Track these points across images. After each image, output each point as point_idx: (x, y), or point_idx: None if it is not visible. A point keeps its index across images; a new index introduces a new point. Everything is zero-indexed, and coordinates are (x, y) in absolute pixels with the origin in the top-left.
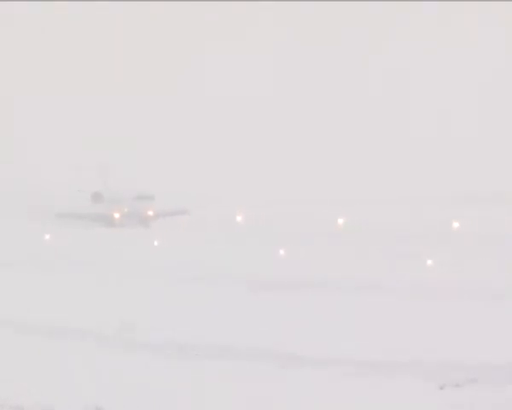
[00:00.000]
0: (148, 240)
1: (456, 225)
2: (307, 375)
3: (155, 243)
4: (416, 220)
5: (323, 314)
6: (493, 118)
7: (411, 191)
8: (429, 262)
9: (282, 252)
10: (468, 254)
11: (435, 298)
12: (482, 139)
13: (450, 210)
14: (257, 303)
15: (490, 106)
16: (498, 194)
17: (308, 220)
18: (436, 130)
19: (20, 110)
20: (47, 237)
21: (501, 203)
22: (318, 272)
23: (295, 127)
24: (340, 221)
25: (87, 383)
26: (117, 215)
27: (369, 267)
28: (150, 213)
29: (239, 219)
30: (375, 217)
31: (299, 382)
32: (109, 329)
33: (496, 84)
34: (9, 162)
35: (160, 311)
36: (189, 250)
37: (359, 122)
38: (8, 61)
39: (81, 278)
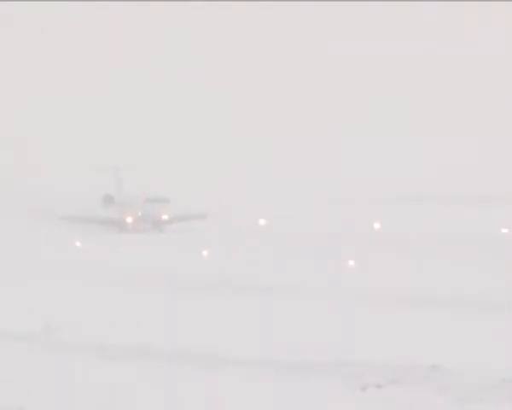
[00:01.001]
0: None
1: (377, 226)
2: (227, 376)
3: (77, 244)
4: (338, 221)
5: (243, 315)
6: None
7: (333, 192)
8: (351, 263)
9: (204, 253)
10: (390, 254)
11: (357, 299)
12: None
13: (372, 211)
14: (178, 304)
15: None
16: (419, 194)
17: (231, 222)
18: (361, 128)
19: (32, 111)
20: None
21: (422, 203)
22: (239, 272)
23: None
24: (262, 222)
25: (7, 383)
26: (129, 219)
27: (290, 268)
28: (165, 217)
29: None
30: (298, 217)
31: (219, 383)
32: (34, 329)
33: (492, 83)
34: (14, 163)
35: (82, 311)
36: (112, 253)
37: (288, 121)
38: (15, 58)
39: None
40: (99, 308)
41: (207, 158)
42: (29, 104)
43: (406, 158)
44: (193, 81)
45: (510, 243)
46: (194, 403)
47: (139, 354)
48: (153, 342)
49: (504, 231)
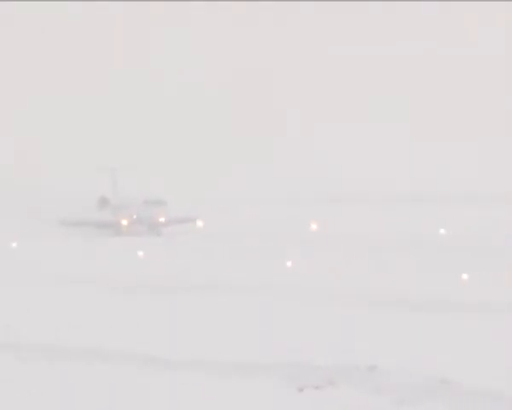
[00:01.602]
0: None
1: (314, 226)
2: (170, 377)
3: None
4: (277, 221)
5: (184, 316)
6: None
7: (273, 192)
8: (289, 264)
9: (140, 253)
10: (327, 254)
11: (295, 299)
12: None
13: (310, 211)
14: (121, 305)
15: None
16: (358, 194)
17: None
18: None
19: (30, 111)
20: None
21: (360, 203)
22: (177, 273)
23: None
24: (200, 223)
25: None
26: (124, 222)
27: (230, 268)
28: (162, 219)
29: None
30: (238, 218)
31: (162, 384)
32: None
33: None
34: (9, 164)
35: (32, 313)
36: (58, 254)
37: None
38: (15, 58)
39: None
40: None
41: (206, 158)
42: (28, 104)
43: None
44: (193, 81)
45: (447, 244)
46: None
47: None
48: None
49: (442, 231)
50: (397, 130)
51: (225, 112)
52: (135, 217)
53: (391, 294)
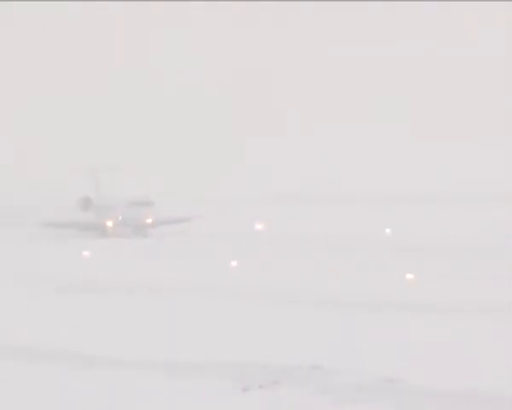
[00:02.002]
0: None
1: (259, 226)
2: (106, 376)
3: None
4: (223, 221)
5: (124, 316)
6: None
7: (219, 192)
8: (233, 263)
9: (85, 253)
10: (273, 254)
11: (239, 299)
12: None
13: (255, 210)
14: (61, 305)
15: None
16: (301, 194)
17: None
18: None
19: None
20: None
21: (306, 203)
22: (118, 274)
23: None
24: (149, 221)
25: None
26: (109, 224)
27: (172, 268)
28: (149, 220)
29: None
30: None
31: (96, 382)
32: None
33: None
34: None
35: None
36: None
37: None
38: (10, 60)
39: None
40: None
41: (203, 157)
42: (19, 105)
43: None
44: (193, 81)
45: (392, 243)
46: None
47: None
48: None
49: (388, 231)
50: (394, 129)
51: (222, 111)
52: (120, 218)
53: (331, 293)
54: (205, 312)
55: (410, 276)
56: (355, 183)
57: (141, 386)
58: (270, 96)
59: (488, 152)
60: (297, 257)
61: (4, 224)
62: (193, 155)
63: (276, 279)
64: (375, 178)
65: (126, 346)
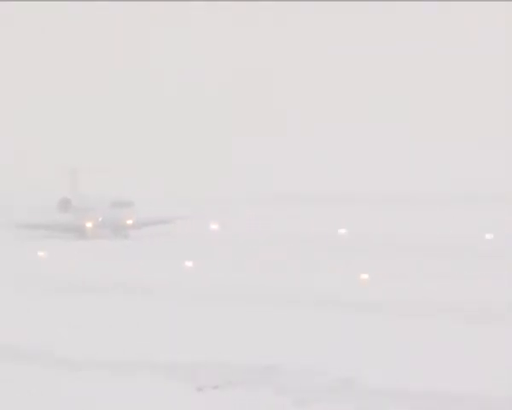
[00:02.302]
0: None
1: (214, 226)
2: (67, 377)
3: None
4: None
5: (80, 316)
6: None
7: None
8: (188, 264)
9: (40, 254)
10: (232, 254)
11: (194, 299)
12: None
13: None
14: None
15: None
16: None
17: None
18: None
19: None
20: None
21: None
22: (71, 273)
23: None
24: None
25: None
26: (89, 225)
27: (127, 269)
28: (129, 221)
29: None
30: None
31: (58, 383)
32: None
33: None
34: None
35: None
36: None
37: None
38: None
39: None
40: None
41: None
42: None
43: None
44: (193, 81)
45: (347, 243)
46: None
47: None
48: None
49: (342, 231)
50: (394, 129)
51: (222, 111)
52: (100, 219)
53: (286, 293)
54: (158, 312)
55: (364, 276)
56: (354, 182)
57: (93, 386)
58: (270, 96)
59: (488, 152)
60: (257, 256)
61: None
62: (191, 155)
63: (233, 278)
64: (374, 178)
65: (77, 345)
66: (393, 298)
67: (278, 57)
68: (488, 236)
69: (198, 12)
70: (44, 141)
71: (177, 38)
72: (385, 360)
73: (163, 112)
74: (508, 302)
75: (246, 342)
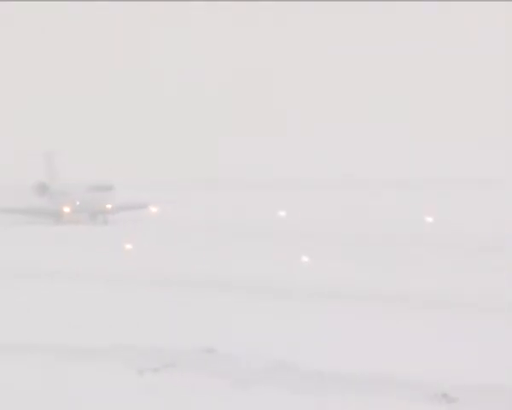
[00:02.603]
0: None
1: (153, 209)
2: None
3: None
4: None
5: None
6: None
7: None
8: (128, 246)
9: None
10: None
11: (129, 283)
12: None
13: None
14: None
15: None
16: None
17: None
18: None
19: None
20: None
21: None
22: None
23: None
24: (109, 206)
25: None
26: (66, 210)
27: (71, 255)
28: (108, 206)
29: None
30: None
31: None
32: None
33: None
34: None
35: None
36: None
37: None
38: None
39: None
40: None
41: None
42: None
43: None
44: (193, 81)
45: (284, 226)
46: None
47: None
48: None
49: (282, 213)
50: (394, 129)
51: (221, 111)
52: (78, 203)
53: (224, 278)
54: (100, 296)
55: (306, 259)
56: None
57: (30, 371)
58: (269, 96)
59: (488, 152)
60: (198, 241)
61: None
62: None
63: (172, 264)
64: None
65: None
66: (330, 283)
67: (278, 57)
68: (429, 219)
69: (198, 12)
70: (44, 140)
71: (177, 38)
72: (316, 344)
73: (162, 111)
74: (427, 289)
75: (180, 327)
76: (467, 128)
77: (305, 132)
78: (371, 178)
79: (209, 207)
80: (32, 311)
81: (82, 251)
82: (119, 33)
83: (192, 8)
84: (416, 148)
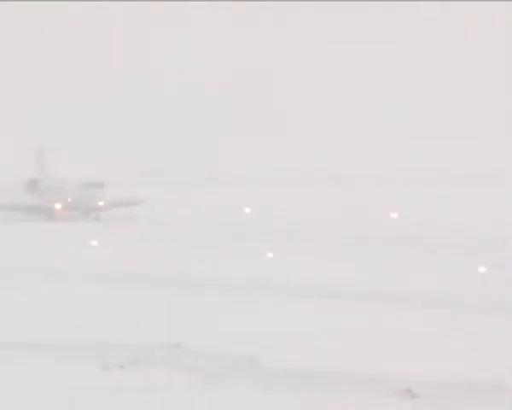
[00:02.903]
0: None
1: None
2: None
3: None
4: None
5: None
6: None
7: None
8: (94, 243)
9: None
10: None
11: (96, 281)
12: None
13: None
14: None
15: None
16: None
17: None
18: None
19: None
20: None
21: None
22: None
23: None
24: (101, 203)
25: None
26: (58, 206)
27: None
28: (101, 203)
29: None
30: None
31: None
32: None
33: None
34: None
35: None
36: None
37: None
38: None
39: None
40: None
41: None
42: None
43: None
44: (193, 81)
45: (251, 223)
46: None
47: None
48: None
49: (247, 210)
50: (394, 129)
51: (220, 111)
52: (70, 200)
53: (188, 275)
54: (66, 293)
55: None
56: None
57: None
58: (269, 96)
59: (488, 152)
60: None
61: None
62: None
63: (141, 262)
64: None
65: None
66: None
67: (278, 57)
68: (394, 215)
69: (198, 12)
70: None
71: (177, 38)
72: (284, 340)
73: (162, 111)
74: (393, 283)
75: (149, 323)
76: (467, 128)
77: (305, 131)
78: (373, 174)
79: (205, 206)
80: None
81: (60, 248)
82: (118, 33)
83: (192, 8)
84: (415, 148)
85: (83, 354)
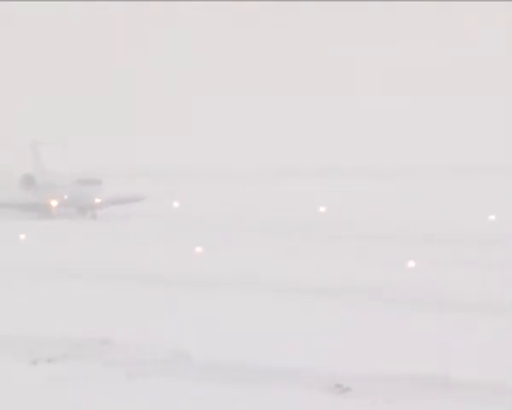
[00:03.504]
0: None
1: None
2: None
3: None
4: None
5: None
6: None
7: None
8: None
9: None
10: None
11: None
12: None
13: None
14: None
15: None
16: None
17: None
18: None
19: None
20: None
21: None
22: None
23: None
24: (98, 200)
25: None
26: (54, 203)
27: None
28: (97, 200)
29: None
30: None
31: None
32: None
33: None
34: None
35: None
36: None
37: None
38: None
39: None
40: None
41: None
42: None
43: None
44: (193, 81)
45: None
46: None
47: None
48: None
49: (176, 205)
50: (394, 129)
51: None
52: (66, 197)
53: (126, 268)
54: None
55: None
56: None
57: None
58: (269, 96)
59: (487, 152)
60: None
61: None
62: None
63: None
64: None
65: None
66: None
67: (278, 57)
68: (322, 209)
69: (198, 12)
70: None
71: (177, 38)
72: (211, 333)
73: (161, 111)
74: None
75: (76, 317)
76: (466, 128)
77: (305, 128)
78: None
79: (207, 201)
80: None
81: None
82: (118, 33)
83: (192, 9)
84: (416, 147)
85: (11, 348)
